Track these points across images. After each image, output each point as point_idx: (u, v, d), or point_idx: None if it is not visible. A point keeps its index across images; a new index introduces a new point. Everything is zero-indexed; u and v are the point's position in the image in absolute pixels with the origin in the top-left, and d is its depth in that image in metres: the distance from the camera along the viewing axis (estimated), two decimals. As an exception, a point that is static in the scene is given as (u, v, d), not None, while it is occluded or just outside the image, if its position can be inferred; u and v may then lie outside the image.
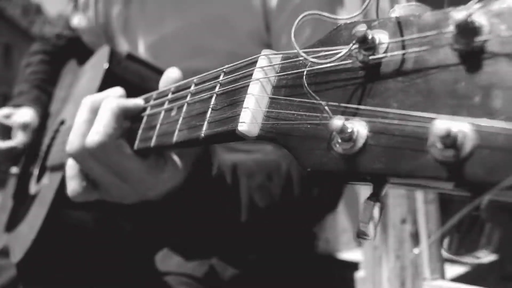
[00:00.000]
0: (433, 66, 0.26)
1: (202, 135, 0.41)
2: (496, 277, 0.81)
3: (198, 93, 0.46)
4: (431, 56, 0.26)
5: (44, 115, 1.16)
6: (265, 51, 0.39)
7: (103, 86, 0.82)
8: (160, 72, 0.93)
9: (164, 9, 1.01)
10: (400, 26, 0.28)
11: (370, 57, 0.28)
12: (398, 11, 0.29)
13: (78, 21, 1.22)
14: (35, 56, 1.30)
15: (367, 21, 0.30)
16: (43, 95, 1.21)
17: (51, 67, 1.28)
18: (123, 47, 1.09)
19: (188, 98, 0.47)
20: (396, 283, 0.86)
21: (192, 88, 0.47)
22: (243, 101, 0.37)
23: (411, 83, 0.26)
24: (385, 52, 0.28)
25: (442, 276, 0.80)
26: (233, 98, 0.39)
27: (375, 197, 0.27)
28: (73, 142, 0.54)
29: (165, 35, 1.01)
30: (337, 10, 0.96)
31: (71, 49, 1.28)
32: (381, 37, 0.28)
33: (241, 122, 0.36)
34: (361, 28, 0.28)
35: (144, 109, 0.58)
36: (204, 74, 0.48)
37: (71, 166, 0.58)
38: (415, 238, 0.82)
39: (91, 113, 0.55)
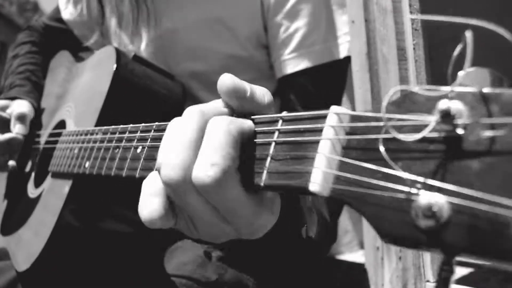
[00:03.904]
0: None
1: (262, 184, 0.40)
2: (498, 279, 0.81)
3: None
4: None
5: (37, 110, 1.14)
6: (335, 108, 0.37)
7: (112, 88, 0.81)
8: (165, 74, 0.93)
9: (160, 7, 1.00)
10: (483, 102, 0.27)
11: (453, 133, 0.28)
12: (464, 78, 0.29)
13: (69, 13, 1.19)
14: (22, 46, 1.27)
15: (442, 89, 0.29)
16: (35, 89, 1.18)
17: (39, 59, 1.25)
18: (120, 43, 1.08)
19: None
20: (398, 285, 0.86)
21: None
22: (313, 159, 0.36)
23: (494, 165, 0.26)
24: (466, 128, 0.28)
25: (445, 278, 0.79)
26: (298, 153, 0.38)
27: (450, 266, 0.28)
28: (172, 168, 0.41)
29: (164, 33, 1.00)
30: (335, 12, 0.96)
31: (59, 40, 1.26)
32: (461, 110, 0.28)
33: (313, 182, 0.35)
34: (446, 103, 0.28)
35: None
36: (255, 116, 0.43)
37: (151, 184, 0.45)
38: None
39: (199, 131, 0.42)
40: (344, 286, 1.14)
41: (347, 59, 0.96)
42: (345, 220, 1.31)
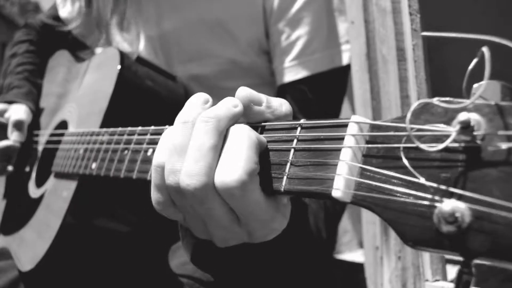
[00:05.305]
0: None
1: (282, 189, 0.41)
2: (498, 279, 0.81)
3: (269, 142, 0.44)
4: None
5: (35, 112, 1.13)
6: (356, 117, 0.38)
7: (117, 89, 0.81)
8: (167, 75, 0.93)
9: (160, 7, 1.00)
10: (499, 115, 0.28)
11: (472, 143, 0.29)
12: (480, 88, 0.29)
13: (67, 12, 1.19)
14: (19, 45, 1.27)
15: (461, 101, 0.30)
16: (34, 89, 1.18)
17: (37, 58, 1.24)
18: (120, 42, 1.08)
19: None
20: (397, 285, 0.86)
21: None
22: (335, 166, 0.37)
23: (511, 174, 0.27)
24: (484, 139, 0.29)
25: (444, 277, 0.79)
26: (319, 159, 0.39)
27: (470, 269, 0.29)
28: (196, 174, 0.40)
29: (164, 33, 1.00)
30: (336, 19, 0.96)
31: (57, 39, 1.25)
32: (480, 122, 0.29)
33: (335, 189, 0.36)
34: (466, 115, 0.29)
35: None
36: (273, 123, 0.44)
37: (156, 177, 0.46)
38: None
39: (219, 137, 0.42)
40: (344, 285, 1.15)
41: (348, 66, 0.96)
42: (345, 219, 1.32)
